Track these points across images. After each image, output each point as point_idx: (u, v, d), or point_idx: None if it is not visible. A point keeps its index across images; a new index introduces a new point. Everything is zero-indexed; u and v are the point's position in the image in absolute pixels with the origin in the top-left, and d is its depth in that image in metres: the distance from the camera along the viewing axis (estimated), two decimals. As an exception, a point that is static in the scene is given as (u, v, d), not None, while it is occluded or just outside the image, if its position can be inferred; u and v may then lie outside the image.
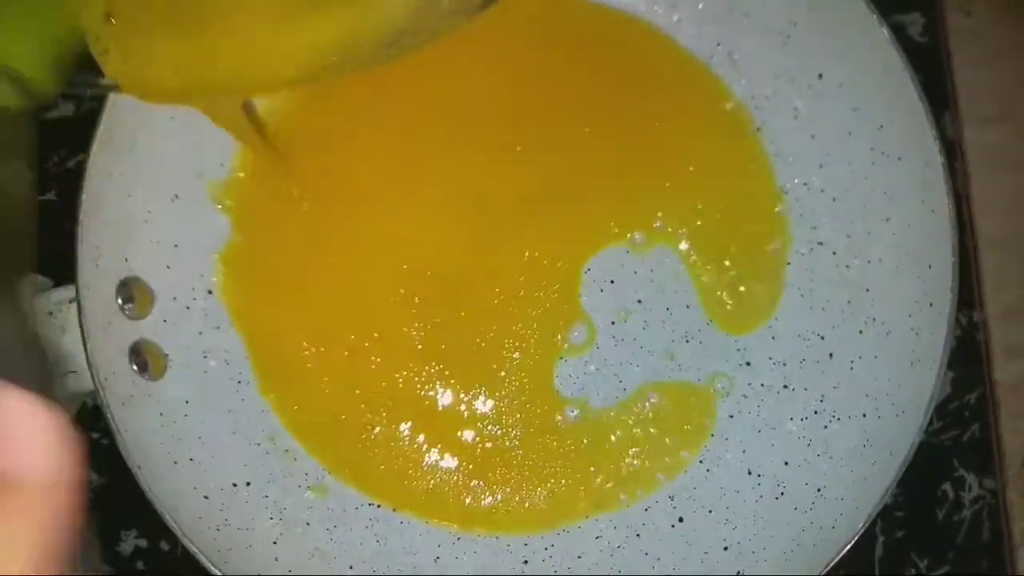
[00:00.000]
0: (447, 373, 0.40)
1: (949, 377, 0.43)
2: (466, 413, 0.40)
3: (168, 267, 0.39)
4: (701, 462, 0.39)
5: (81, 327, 0.35)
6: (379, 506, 0.39)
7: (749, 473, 0.39)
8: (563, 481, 0.39)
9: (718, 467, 0.39)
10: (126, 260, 0.38)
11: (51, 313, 0.36)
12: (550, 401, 0.40)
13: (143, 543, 0.41)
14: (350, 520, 0.39)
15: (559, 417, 0.40)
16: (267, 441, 0.39)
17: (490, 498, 0.39)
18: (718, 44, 0.42)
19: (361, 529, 0.39)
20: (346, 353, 0.40)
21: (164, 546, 0.41)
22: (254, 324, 0.40)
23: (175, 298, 0.39)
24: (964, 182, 0.45)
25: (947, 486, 0.43)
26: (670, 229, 0.41)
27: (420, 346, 0.40)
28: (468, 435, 0.39)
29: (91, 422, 0.41)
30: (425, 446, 0.39)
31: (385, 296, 0.40)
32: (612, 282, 0.41)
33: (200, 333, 0.40)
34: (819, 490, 0.38)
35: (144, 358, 0.37)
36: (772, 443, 0.39)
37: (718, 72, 0.42)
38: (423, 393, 0.40)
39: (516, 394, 0.40)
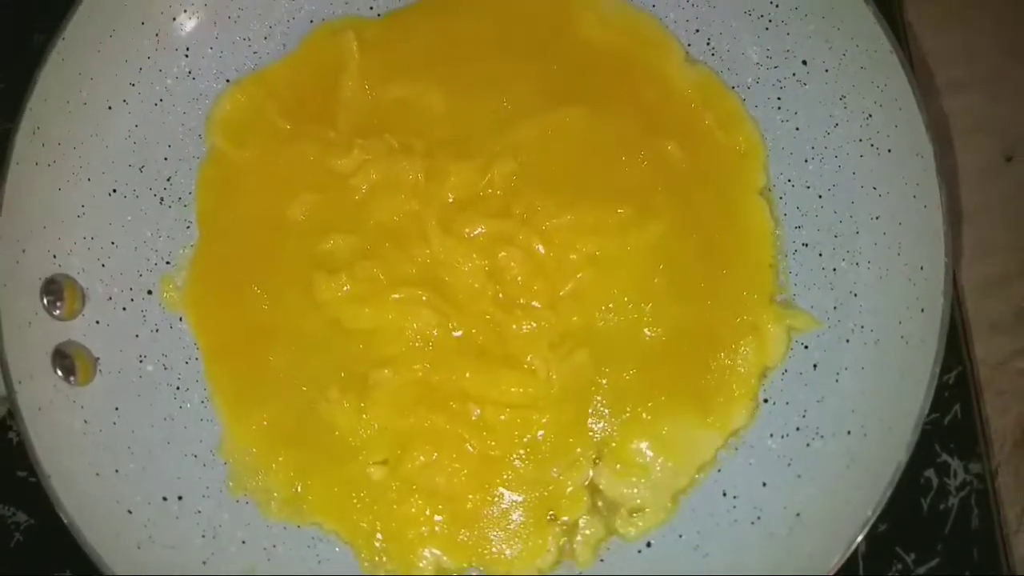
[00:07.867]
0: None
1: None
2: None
3: (103, 265, 0.37)
4: (671, 481, 0.36)
5: (-3, 326, 0.33)
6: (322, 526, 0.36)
7: (724, 495, 0.36)
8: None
9: (689, 487, 0.36)
10: (54, 257, 0.36)
11: (-34, 312, 0.34)
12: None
13: (78, 584, 0.38)
14: (291, 539, 0.36)
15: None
16: (206, 453, 0.37)
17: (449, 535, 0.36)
18: (696, 30, 0.39)
19: (302, 549, 0.36)
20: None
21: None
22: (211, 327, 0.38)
23: (110, 298, 0.37)
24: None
25: (930, 472, 0.39)
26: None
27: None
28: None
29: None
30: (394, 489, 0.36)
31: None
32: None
33: (137, 336, 0.37)
34: (798, 515, 0.34)
35: (71, 361, 0.35)
36: (750, 462, 0.36)
37: (697, 59, 0.39)
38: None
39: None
